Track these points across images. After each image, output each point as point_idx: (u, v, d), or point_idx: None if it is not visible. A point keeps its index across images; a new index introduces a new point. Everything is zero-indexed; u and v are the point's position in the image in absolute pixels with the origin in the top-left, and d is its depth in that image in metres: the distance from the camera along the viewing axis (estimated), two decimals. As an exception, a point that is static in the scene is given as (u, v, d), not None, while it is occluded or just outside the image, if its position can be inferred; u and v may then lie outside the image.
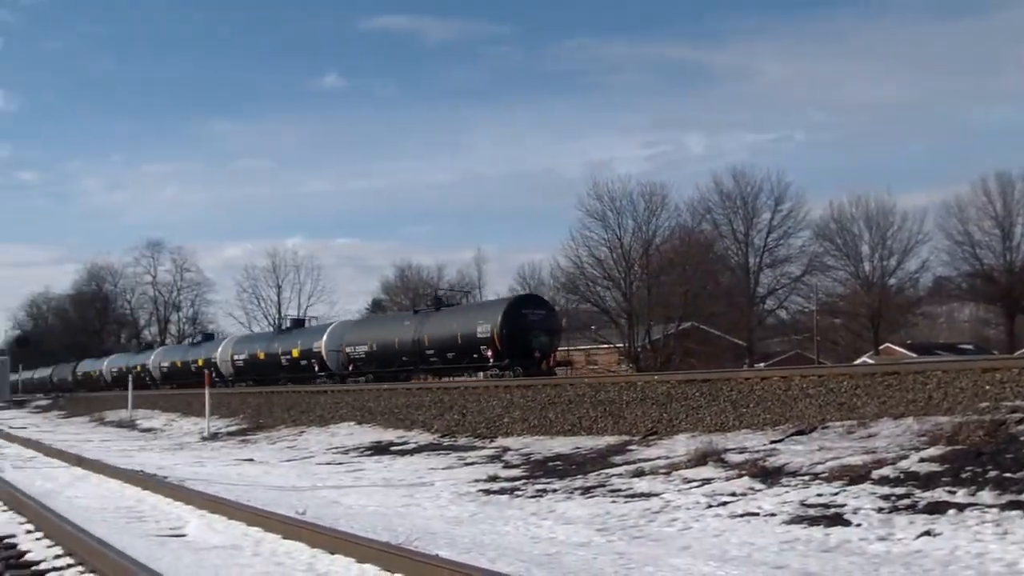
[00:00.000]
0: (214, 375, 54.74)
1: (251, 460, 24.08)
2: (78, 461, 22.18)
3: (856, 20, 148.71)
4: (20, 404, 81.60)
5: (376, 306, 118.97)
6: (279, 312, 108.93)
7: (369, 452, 24.11)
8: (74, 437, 36.51)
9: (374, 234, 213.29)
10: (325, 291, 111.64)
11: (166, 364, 70.27)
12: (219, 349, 62.99)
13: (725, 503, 12.98)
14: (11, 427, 43.23)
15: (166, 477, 18.51)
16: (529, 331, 38.31)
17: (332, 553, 9.91)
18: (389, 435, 26.39)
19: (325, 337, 50.48)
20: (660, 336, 69.99)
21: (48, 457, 24.73)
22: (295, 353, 52.56)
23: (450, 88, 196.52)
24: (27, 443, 29.76)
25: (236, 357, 60.01)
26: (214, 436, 33.08)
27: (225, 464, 23.24)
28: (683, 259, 72.59)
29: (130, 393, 49.30)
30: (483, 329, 38.90)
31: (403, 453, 23.16)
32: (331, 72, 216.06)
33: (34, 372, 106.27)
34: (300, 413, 33.81)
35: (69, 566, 9.44)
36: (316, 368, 50.65)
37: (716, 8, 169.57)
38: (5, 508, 13.98)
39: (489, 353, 38.05)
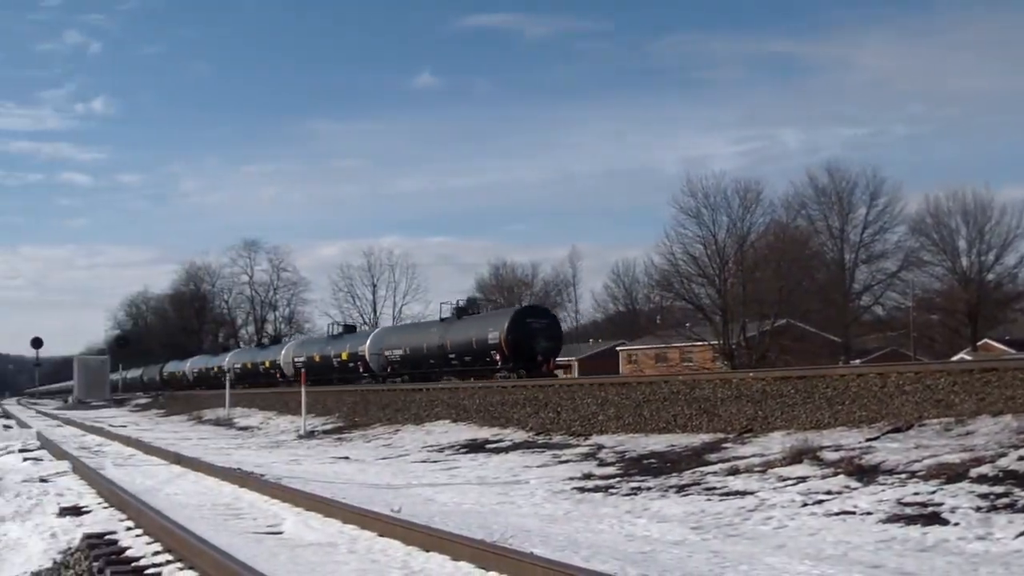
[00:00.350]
0: (279, 375, 61.55)
1: (346, 458, 24.24)
2: (177, 459, 22.46)
3: (956, 12, 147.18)
4: (120, 403, 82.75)
5: (471, 304, 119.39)
6: (374, 311, 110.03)
7: (464, 450, 24.18)
8: (172, 435, 36.97)
9: (469, 232, 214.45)
10: (420, 290, 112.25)
11: (238, 365, 74.27)
12: (283, 352, 68.14)
13: (820, 501, 12.92)
14: (111, 425, 43.85)
15: (263, 475, 18.68)
16: (532, 338, 42.90)
17: (427, 551, 9.99)
18: (484, 433, 26.45)
19: (368, 342, 55.81)
20: (755, 333, 69.61)
21: (147, 455, 25.07)
22: (344, 356, 57.78)
23: (546, 86, 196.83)
24: (127, 441, 30.16)
25: (296, 359, 64.37)
26: (310, 434, 33.33)
27: (321, 462, 23.41)
28: (778, 255, 72.15)
29: (227, 392, 49.85)
30: (493, 336, 43.75)
31: (498, 451, 23.20)
32: (425, 71, 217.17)
33: (128, 372, 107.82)
34: (395, 411, 33.97)
35: (168, 562, 9.56)
36: (360, 370, 55.36)
37: (819, 1, 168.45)
38: (106, 505, 14.21)
39: (497, 357, 42.80)
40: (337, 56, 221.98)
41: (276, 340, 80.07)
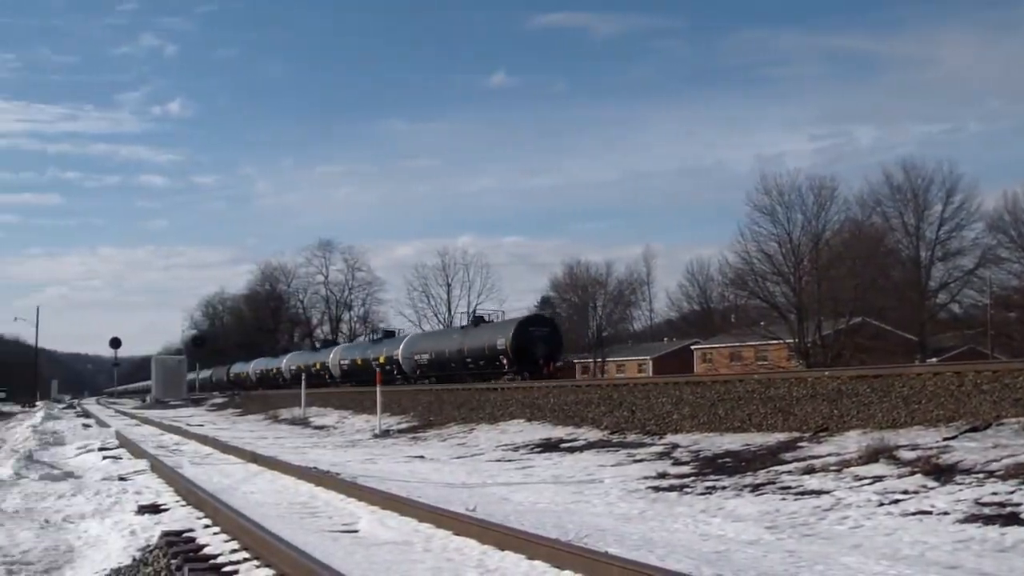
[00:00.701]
0: (327, 376, 66.43)
1: (422, 457, 24.33)
2: (253, 458, 22.63)
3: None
4: (197, 402, 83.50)
5: (545, 303, 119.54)
6: (449, 310, 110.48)
7: (538, 449, 24.19)
8: (249, 434, 37.24)
9: (543, 232, 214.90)
10: (494, 289, 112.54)
11: (293, 367, 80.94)
12: (331, 355, 75.10)
13: (897, 501, 12.84)
14: (189, 424, 44.26)
15: (338, 474, 18.78)
16: (534, 344, 49.05)
17: (502, 550, 10.03)
18: (559, 432, 26.43)
19: (401, 347, 62.38)
20: (830, 331, 69.16)
21: (224, 454, 25.29)
22: (381, 359, 62.65)
23: (619, 84, 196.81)
24: (204, 440, 30.42)
25: (342, 362, 71.42)
26: (385, 433, 33.47)
27: (396, 461, 23.51)
28: (853, 253, 71.62)
29: (303, 391, 50.13)
30: (500, 343, 50.12)
31: (572, 450, 23.19)
32: (499, 71, 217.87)
33: (202, 372, 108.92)
34: (470, 411, 34.05)
35: (245, 560, 9.65)
36: (395, 372, 60.30)
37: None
38: (184, 503, 14.35)
39: (504, 361, 48.28)
40: (411, 56, 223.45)
41: (331, 343, 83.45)
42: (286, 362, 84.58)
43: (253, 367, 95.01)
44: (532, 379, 42.42)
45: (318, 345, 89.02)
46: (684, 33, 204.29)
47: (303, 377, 56.45)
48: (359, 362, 67.98)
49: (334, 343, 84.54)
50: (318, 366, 75.16)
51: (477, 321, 58.11)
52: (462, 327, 59.64)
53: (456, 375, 51.68)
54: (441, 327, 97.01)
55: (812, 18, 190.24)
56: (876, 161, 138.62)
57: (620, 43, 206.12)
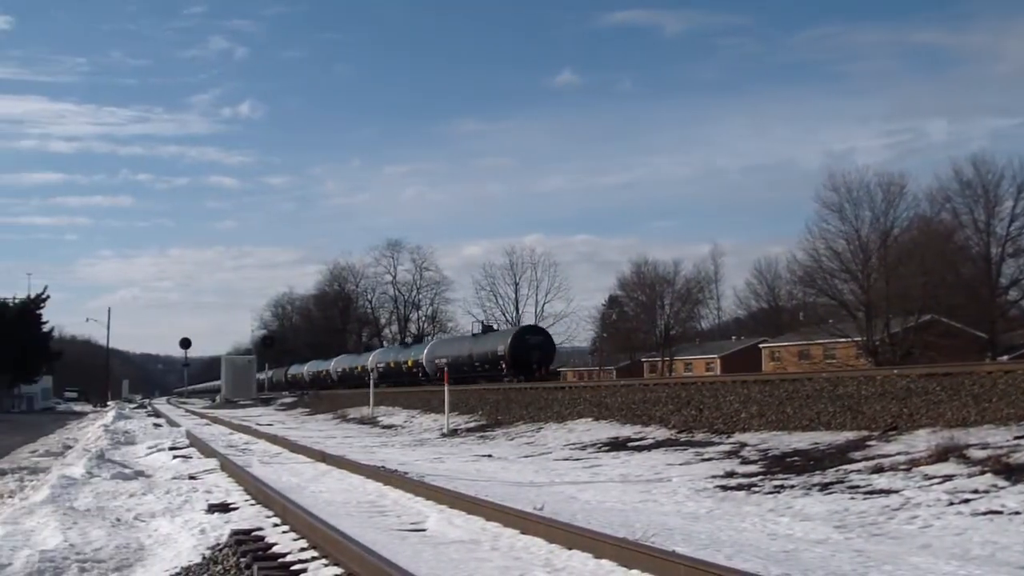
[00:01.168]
0: (366, 378, 66.98)
1: (489, 456, 24.38)
2: (322, 457, 22.73)
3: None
4: (266, 402, 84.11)
5: (612, 302, 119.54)
6: (516, 309, 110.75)
7: (606, 448, 24.17)
8: (317, 434, 37.46)
9: (612, 230, 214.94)
10: (562, 288, 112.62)
11: (340, 368, 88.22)
12: (370, 358, 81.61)
13: (967, 500, 12.74)
14: (258, 424, 44.57)
15: (406, 473, 18.86)
16: (529, 351, 55.64)
17: (569, 548, 10.04)
18: (626, 431, 26.39)
19: (425, 351, 69.86)
20: (899, 329, 68.54)
21: (293, 453, 25.44)
22: (409, 363, 71.29)
23: (688, 81, 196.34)
24: (273, 439, 30.63)
25: (378, 365, 76.38)
26: (453, 432, 33.56)
27: (464, 460, 23.57)
28: (922, 250, 70.84)
29: (371, 391, 50.40)
30: (500, 349, 57.35)
31: (640, 449, 23.17)
32: (566, 69, 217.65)
33: (274, 372, 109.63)
34: (538, 410, 34.05)
35: (314, 559, 9.69)
36: (420, 374, 67.25)
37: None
38: (253, 502, 14.44)
39: (503, 366, 53.53)
40: (479, 56, 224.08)
41: (369, 346, 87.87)
42: (334, 364, 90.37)
43: (308, 368, 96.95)
44: (527, 381, 47.93)
45: (385, 344, 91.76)
46: (754, 30, 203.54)
47: (372, 377, 57.91)
48: (392, 364, 75.00)
49: (406, 343, 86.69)
50: (360, 368, 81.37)
51: (486, 330, 67.15)
52: (473, 335, 67.67)
53: (468, 377, 55.63)
54: (509, 326, 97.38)
55: (880, 13, 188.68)
56: (948, 156, 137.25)
57: (689, 40, 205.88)
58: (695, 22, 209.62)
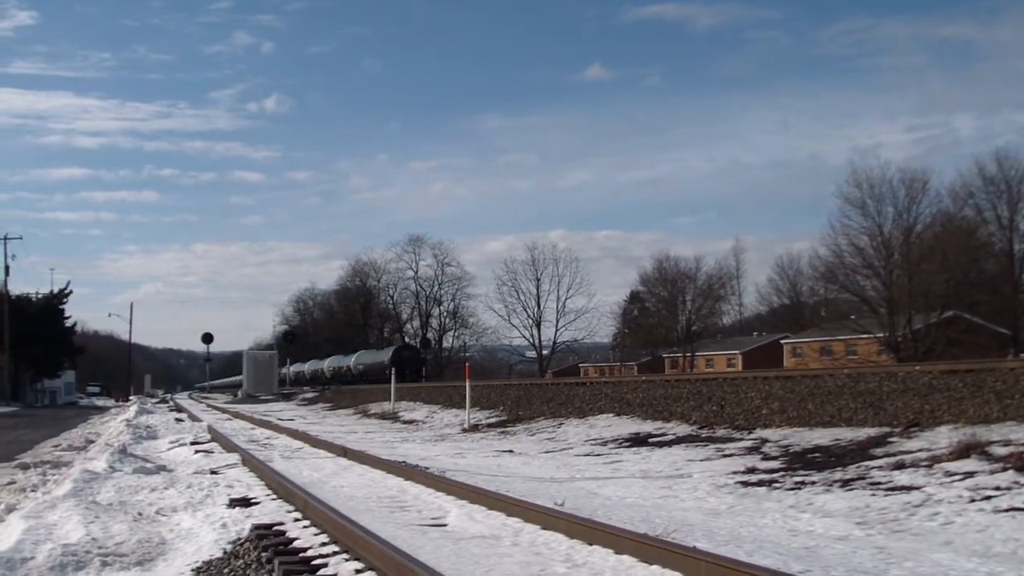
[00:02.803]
0: (387, 373, 72.53)
1: (510, 451, 24.39)
2: (343, 452, 22.78)
3: None
4: (288, 397, 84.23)
5: (633, 298, 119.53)
6: (538, 305, 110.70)
7: (627, 443, 24.14)
8: (339, 429, 37.52)
9: (637, 225, 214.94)
10: (583, 283, 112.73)
11: (360, 365, 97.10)
12: (341, 359, 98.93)
13: (989, 497, 12.69)
14: (279, 419, 44.60)
15: (427, 468, 18.90)
16: (404, 362, 77.64)
17: (590, 544, 10.04)
18: (647, 427, 26.34)
19: (353, 359, 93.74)
20: (921, 325, 68.38)
21: (314, 448, 25.45)
22: (347, 367, 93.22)
23: (715, 76, 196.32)
24: (295, 434, 30.66)
25: (333, 366, 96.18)
26: (474, 428, 33.57)
27: (484, 455, 23.59)
28: (944, 246, 70.67)
29: (392, 386, 50.41)
30: (386, 360, 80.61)
31: (661, 444, 23.13)
32: (595, 63, 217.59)
33: (295, 367, 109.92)
34: (559, 405, 34.02)
35: (335, 553, 9.70)
36: (350, 377, 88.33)
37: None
38: (274, 497, 14.46)
39: (388, 372, 56.98)
40: (508, 50, 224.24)
41: (389, 342, 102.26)
42: (355, 360, 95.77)
43: (328, 364, 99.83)
44: (400, 382, 58.40)
45: (407, 338, 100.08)
46: (784, 23, 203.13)
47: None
48: (341, 368, 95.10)
49: (426, 340, 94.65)
50: (377, 364, 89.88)
51: (381, 345, 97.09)
52: (376, 348, 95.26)
53: (374, 380, 73.96)
54: (531, 321, 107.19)
55: (909, 6, 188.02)
56: (976, 152, 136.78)
57: (719, 35, 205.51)
58: (728, 16, 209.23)
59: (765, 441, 21.08)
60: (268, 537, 10.73)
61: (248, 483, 16.50)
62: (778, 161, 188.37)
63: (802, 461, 17.94)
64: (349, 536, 10.00)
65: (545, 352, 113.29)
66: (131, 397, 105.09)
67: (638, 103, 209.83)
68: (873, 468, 16.07)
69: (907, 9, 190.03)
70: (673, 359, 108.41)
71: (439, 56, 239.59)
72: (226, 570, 9.72)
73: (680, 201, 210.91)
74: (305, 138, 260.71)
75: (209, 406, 71.09)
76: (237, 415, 49.80)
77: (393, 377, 51.29)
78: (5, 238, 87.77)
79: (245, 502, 14.02)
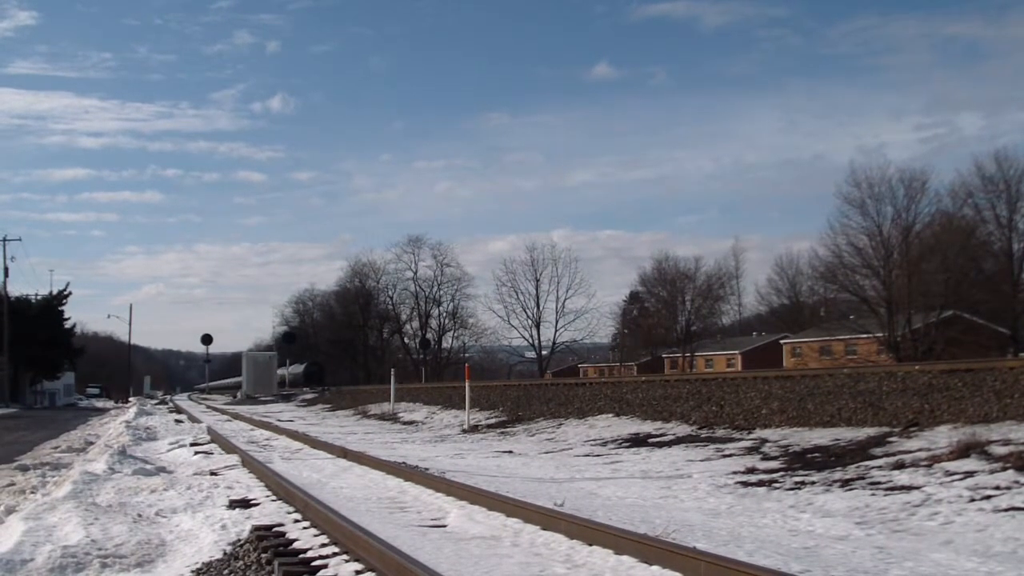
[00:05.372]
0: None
1: (510, 452, 24.40)
2: (343, 453, 22.80)
3: None
4: (287, 398, 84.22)
5: (633, 298, 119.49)
6: (537, 305, 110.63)
7: (627, 444, 24.15)
8: (338, 430, 37.54)
9: (640, 225, 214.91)
10: (583, 284, 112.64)
11: None
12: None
13: (988, 497, 12.70)
14: (279, 420, 44.68)
15: (427, 469, 18.92)
16: (311, 375, 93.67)
17: (590, 544, 10.05)
18: (647, 427, 26.35)
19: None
20: (921, 325, 68.37)
21: (314, 449, 25.49)
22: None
23: (721, 75, 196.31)
24: (294, 436, 30.70)
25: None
26: (474, 428, 33.58)
27: (484, 456, 23.60)
28: (943, 246, 70.68)
29: (392, 386, 50.40)
30: (300, 371, 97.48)
31: (660, 445, 23.14)
32: (602, 62, 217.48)
33: (288, 368, 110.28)
34: (558, 406, 34.02)
35: (335, 554, 9.72)
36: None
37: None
38: (274, 498, 14.49)
39: (301, 381, 69.58)
40: (514, 49, 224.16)
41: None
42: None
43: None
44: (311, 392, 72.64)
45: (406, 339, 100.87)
46: (792, 22, 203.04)
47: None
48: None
49: (425, 341, 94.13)
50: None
51: (295, 359, 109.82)
52: (299, 363, 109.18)
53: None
54: (530, 322, 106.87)
55: (916, 5, 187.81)
56: (980, 151, 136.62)
57: (727, 33, 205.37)
58: (736, 14, 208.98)
59: (765, 441, 21.08)
60: (268, 538, 10.74)
61: (248, 484, 16.51)
62: (784, 160, 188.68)
63: (802, 461, 17.95)
64: (349, 537, 10.01)
65: (545, 352, 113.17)
66: (130, 398, 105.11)
67: (643, 102, 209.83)
68: (873, 468, 16.08)
69: (917, 6, 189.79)
70: (673, 359, 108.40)
71: (444, 55, 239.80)
72: (226, 571, 9.72)
73: (685, 200, 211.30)
74: (308, 138, 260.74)
75: (209, 407, 71.07)
76: (236, 416, 49.84)
77: (393, 378, 51.23)
78: (4, 239, 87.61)
79: (245, 503, 14.03)
